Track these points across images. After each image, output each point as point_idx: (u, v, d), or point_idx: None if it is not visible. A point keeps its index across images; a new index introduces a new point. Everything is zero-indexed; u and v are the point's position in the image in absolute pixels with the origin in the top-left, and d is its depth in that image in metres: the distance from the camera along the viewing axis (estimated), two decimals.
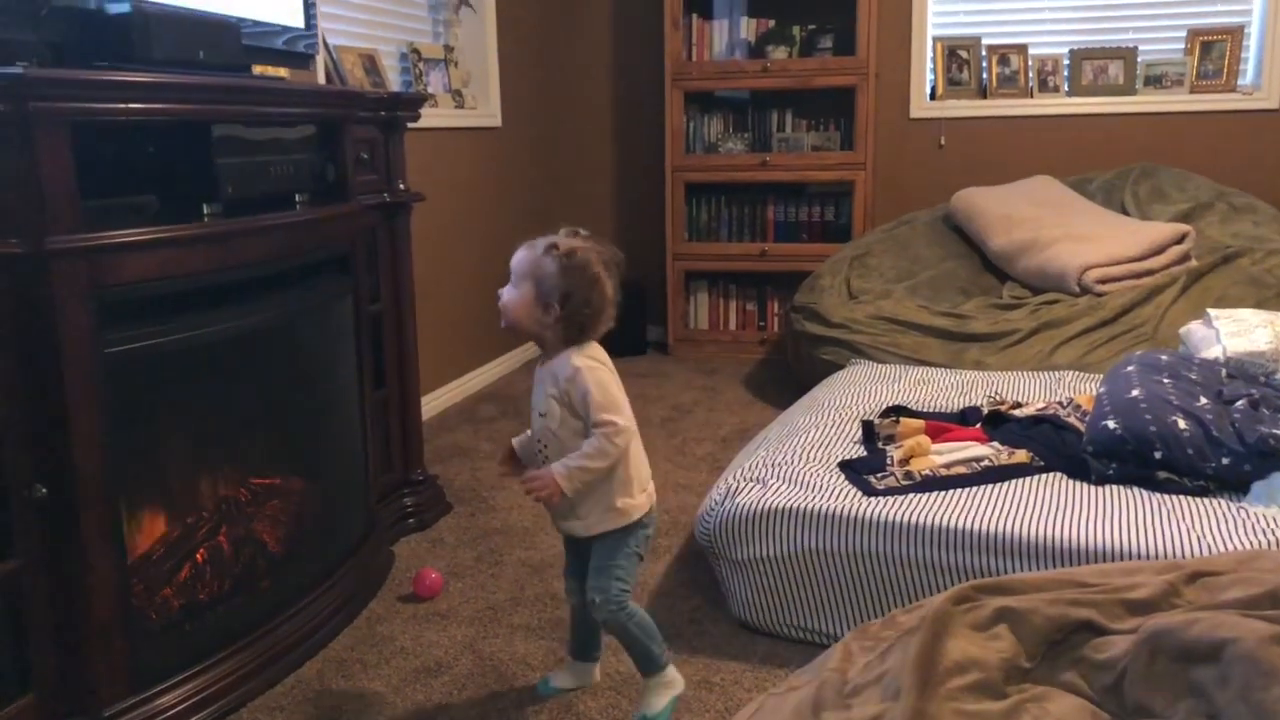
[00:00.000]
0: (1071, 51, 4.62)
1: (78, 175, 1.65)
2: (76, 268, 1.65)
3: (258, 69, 2.42)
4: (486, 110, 4.42)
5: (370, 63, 3.58)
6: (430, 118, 3.70)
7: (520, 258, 1.81)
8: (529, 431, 1.91)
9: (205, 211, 1.94)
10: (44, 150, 1.60)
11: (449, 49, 4.18)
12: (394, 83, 3.82)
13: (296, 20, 2.40)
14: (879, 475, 2.24)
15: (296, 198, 2.22)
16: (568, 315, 1.77)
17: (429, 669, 2.12)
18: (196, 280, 1.90)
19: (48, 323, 1.63)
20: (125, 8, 1.84)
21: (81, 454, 1.69)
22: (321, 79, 3.22)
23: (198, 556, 2.02)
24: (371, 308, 2.65)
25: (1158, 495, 2.09)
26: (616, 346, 1.92)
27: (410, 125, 2.81)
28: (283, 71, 2.63)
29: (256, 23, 2.26)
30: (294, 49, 2.43)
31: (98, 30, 1.84)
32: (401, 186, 2.78)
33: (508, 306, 1.83)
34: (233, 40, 2.11)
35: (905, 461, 2.30)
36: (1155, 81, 4.55)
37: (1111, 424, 2.21)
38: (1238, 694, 1.06)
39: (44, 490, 1.66)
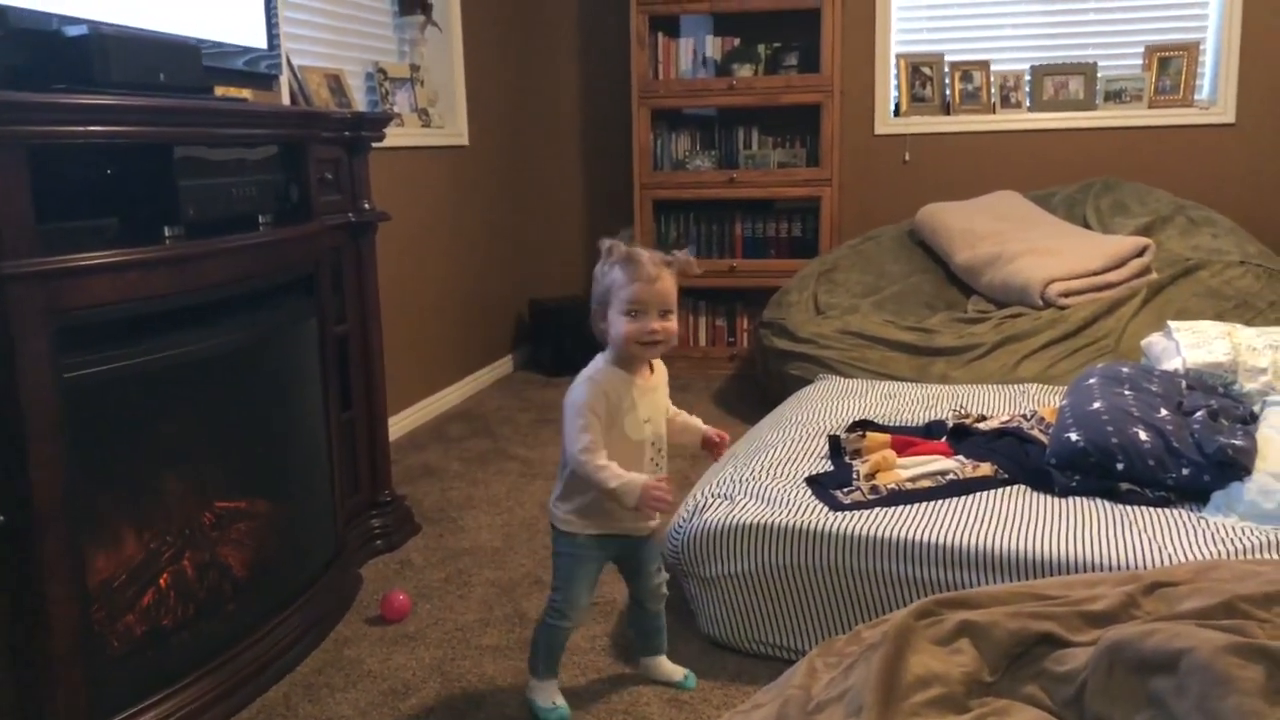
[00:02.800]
0: (1033, 67, 4.69)
1: (35, 198, 1.63)
2: (34, 292, 1.63)
3: (220, 90, 2.41)
4: (453, 129, 4.42)
5: (336, 83, 3.58)
6: (397, 137, 3.70)
7: (667, 286, 1.85)
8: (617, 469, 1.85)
9: (166, 234, 1.92)
10: (0, 174, 1.58)
11: (415, 68, 4.18)
12: (360, 102, 3.82)
13: (259, 41, 2.40)
14: (845, 490, 2.25)
15: (259, 219, 2.21)
16: None
17: (397, 691, 2.10)
18: (158, 303, 1.88)
19: (5, 348, 1.61)
20: (83, 30, 1.83)
21: (40, 479, 1.67)
22: (286, 99, 3.22)
23: (161, 582, 1.99)
24: (337, 328, 2.63)
25: (1120, 506, 2.11)
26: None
27: (376, 145, 2.81)
28: (246, 93, 2.63)
29: (217, 44, 2.26)
30: (256, 69, 2.43)
31: (56, 53, 1.83)
32: (366, 206, 2.77)
33: (673, 334, 1.87)
34: (193, 62, 2.10)
35: (871, 476, 2.31)
36: (1115, 96, 4.62)
37: (1074, 436, 2.23)
38: (1194, 703, 1.07)
39: (2, 517, 1.63)
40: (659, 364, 1.97)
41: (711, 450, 2.02)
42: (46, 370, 1.66)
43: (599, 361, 1.92)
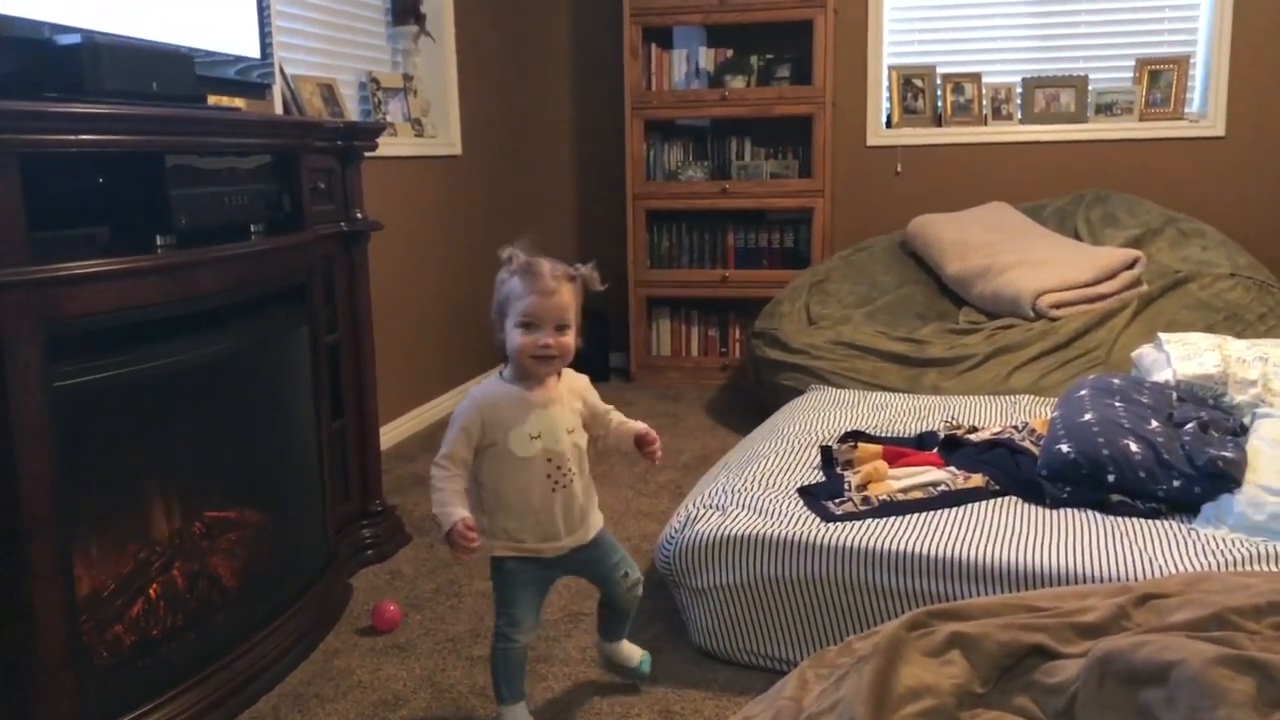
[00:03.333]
0: (1024, 80, 4.71)
1: (28, 207, 1.63)
2: (25, 300, 1.63)
3: (213, 99, 2.41)
4: (446, 139, 4.42)
5: (329, 92, 3.58)
6: (390, 146, 3.70)
7: (565, 300, 1.82)
8: (461, 498, 1.84)
9: (158, 243, 1.92)
10: None
11: (408, 78, 4.19)
12: (353, 112, 3.82)
13: (252, 50, 2.40)
14: (837, 501, 2.26)
15: (251, 228, 2.21)
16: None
17: (387, 702, 2.10)
18: (149, 312, 1.88)
19: None
20: (76, 39, 1.83)
21: (29, 489, 1.66)
22: (279, 109, 3.22)
23: (150, 592, 1.99)
24: (329, 338, 2.63)
25: (1111, 518, 2.12)
26: (580, 373, 1.95)
27: (369, 154, 2.81)
28: (239, 102, 2.62)
29: (209, 53, 2.25)
30: (248, 79, 2.42)
31: (48, 61, 1.82)
32: (359, 215, 2.77)
33: (569, 350, 1.84)
34: (186, 71, 2.10)
35: (863, 487, 2.31)
36: (1106, 109, 4.64)
37: (1065, 447, 2.23)
38: (1185, 715, 1.08)
39: None
40: (568, 377, 1.92)
41: (643, 448, 1.97)
42: (37, 379, 1.66)
43: (494, 375, 1.92)
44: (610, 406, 2.00)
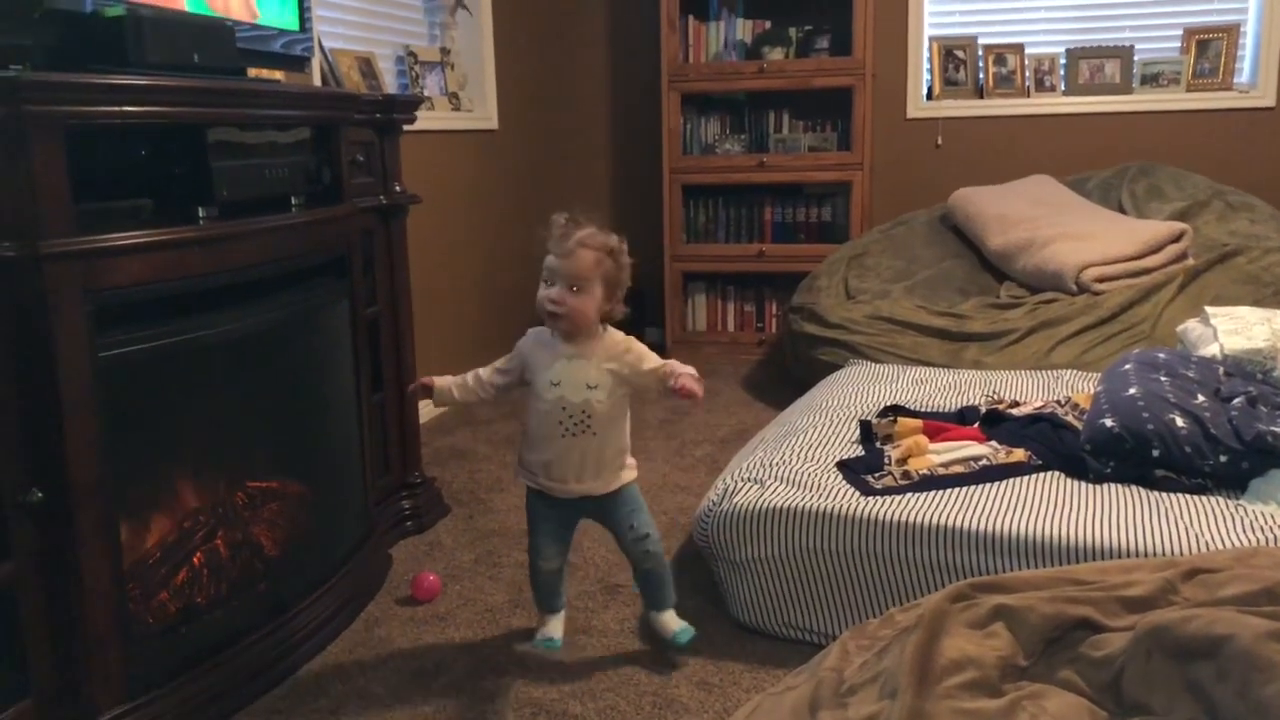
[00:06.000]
0: (1068, 51, 4.63)
1: (72, 178, 1.64)
2: (71, 271, 1.65)
3: (253, 72, 2.42)
4: (483, 113, 4.42)
5: (366, 65, 3.58)
6: (426, 120, 3.70)
7: (583, 264, 1.93)
8: (464, 379, 2.13)
9: (200, 215, 1.93)
10: (38, 153, 1.59)
11: (445, 51, 4.18)
12: (390, 85, 3.82)
13: (292, 23, 2.40)
14: (877, 475, 2.24)
15: (292, 200, 2.22)
16: (618, 301, 1.99)
17: (427, 671, 2.12)
18: (192, 283, 1.89)
19: (42, 326, 1.63)
20: (119, 11, 1.83)
21: (76, 458, 1.68)
22: (317, 82, 3.22)
23: (194, 560, 2.01)
24: (368, 311, 2.64)
25: (1155, 493, 2.09)
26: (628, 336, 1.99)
27: (406, 128, 2.81)
28: (278, 74, 2.63)
29: (252, 26, 2.26)
30: (290, 52, 2.43)
31: (92, 34, 1.83)
32: (398, 189, 2.78)
33: (578, 311, 1.94)
34: (227, 43, 2.11)
35: (903, 461, 2.29)
36: (1152, 80, 4.55)
37: (1109, 422, 2.20)
38: (1236, 690, 1.06)
39: (39, 494, 1.65)
40: (611, 338, 2.00)
41: (675, 391, 1.96)
42: (83, 349, 1.68)
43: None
44: (672, 362, 2.02)
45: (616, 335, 2.02)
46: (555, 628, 2.14)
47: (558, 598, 2.16)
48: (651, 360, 2.01)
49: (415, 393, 2.16)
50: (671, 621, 2.13)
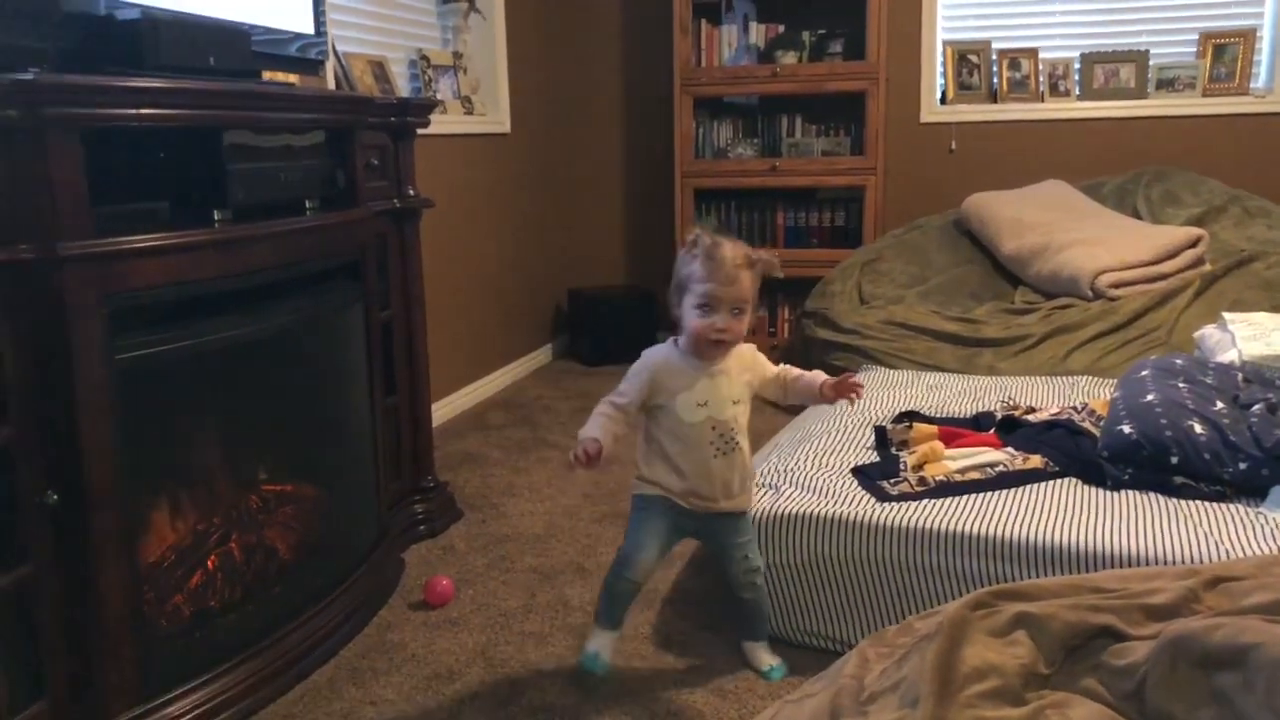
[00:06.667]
0: (1082, 55, 4.61)
1: (89, 181, 1.64)
2: (88, 274, 1.65)
3: (267, 75, 2.42)
4: (495, 116, 4.42)
5: (379, 69, 3.58)
6: (439, 124, 3.70)
7: (744, 287, 1.88)
8: (606, 427, 1.88)
9: (216, 218, 1.93)
10: (56, 156, 1.59)
11: (458, 55, 4.18)
12: (403, 89, 3.82)
13: (307, 27, 2.40)
14: (893, 481, 2.23)
15: (306, 204, 2.22)
16: None
17: (440, 676, 2.11)
18: (207, 286, 1.89)
19: (59, 328, 1.63)
20: (135, 14, 1.84)
21: (93, 460, 1.68)
22: (331, 85, 3.23)
23: (209, 563, 2.01)
24: (382, 314, 2.64)
25: (1174, 500, 2.07)
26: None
27: (420, 131, 2.81)
28: (293, 78, 2.63)
29: (267, 29, 2.26)
30: (304, 55, 2.43)
31: (108, 37, 1.84)
32: (411, 192, 2.78)
33: (741, 333, 1.92)
34: (243, 46, 2.11)
35: (919, 467, 2.28)
36: (1167, 85, 4.53)
37: (1127, 429, 2.19)
38: (1263, 700, 1.04)
39: (55, 496, 1.65)
40: (739, 350, 1.97)
41: (840, 394, 1.99)
42: (100, 351, 1.68)
43: (669, 341, 1.98)
44: (783, 366, 2.04)
45: (742, 345, 1.98)
46: (608, 645, 2.03)
47: (626, 613, 2.07)
48: (770, 366, 2.02)
49: (582, 464, 1.84)
50: (765, 656, 2.09)
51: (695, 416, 1.91)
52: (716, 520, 1.99)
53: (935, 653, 1.18)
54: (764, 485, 2.26)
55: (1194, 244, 3.68)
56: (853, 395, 2.00)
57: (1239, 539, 1.90)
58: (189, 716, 1.86)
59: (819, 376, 2.03)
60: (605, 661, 2.02)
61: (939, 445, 2.37)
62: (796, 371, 2.04)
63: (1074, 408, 2.57)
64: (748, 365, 1.99)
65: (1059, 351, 3.35)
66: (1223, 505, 2.04)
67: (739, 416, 1.95)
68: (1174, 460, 2.12)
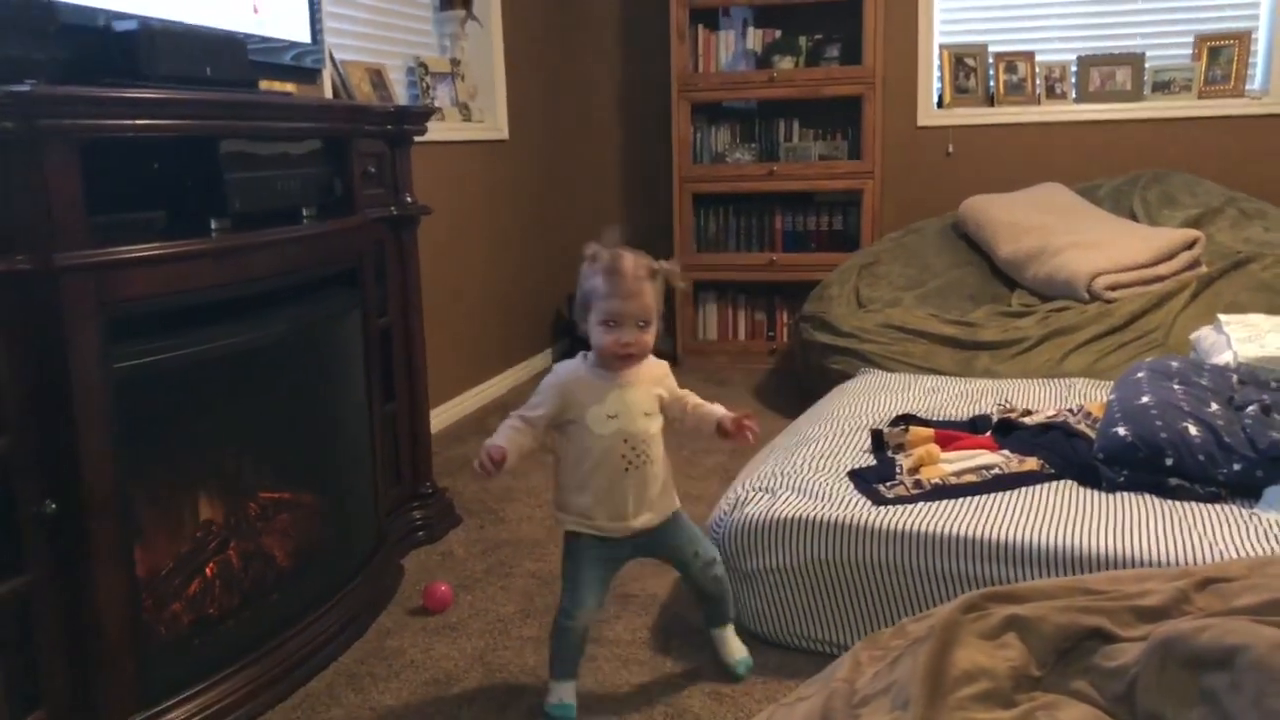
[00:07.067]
0: (1079, 58, 4.62)
1: (86, 191, 1.65)
2: (85, 283, 1.66)
3: (264, 84, 2.43)
4: (493, 123, 4.43)
5: (377, 77, 3.60)
6: (437, 131, 3.71)
7: (647, 300, 1.86)
8: (513, 437, 1.89)
9: (213, 226, 1.94)
10: (52, 167, 1.60)
11: (455, 62, 4.20)
12: (401, 96, 3.83)
13: (303, 35, 2.42)
14: (888, 484, 2.24)
15: (304, 212, 2.23)
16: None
17: (439, 681, 2.12)
18: (204, 295, 1.90)
19: (57, 338, 1.64)
20: (132, 25, 1.85)
21: (91, 469, 1.69)
22: (328, 93, 3.24)
23: (207, 571, 2.02)
24: (380, 321, 2.65)
25: (1169, 502, 2.08)
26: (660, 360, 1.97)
27: (417, 139, 2.82)
28: (290, 86, 2.65)
29: (263, 38, 2.27)
30: (301, 64, 2.45)
31: (105, 47, 1.85)
32: (409, 199, 2.79)
33: (648, 346, 1.90)
34: (239, 56, 2.12)
35: (915, 470, 2.29)
36: (1163, 87, 4.54)
37: (1122, 431, 2.19)
38: (1250, 701, 1.05)
39: (54, 505, 1.66)
40: (649, 364, 1.95)
41: (732, 437, 1.97)
42: (97, 360, 1.69)
43: (578, 357, 1.96)
44: (688, 391, 2.02)
45: (653, 359, 1.96)
46: (570, 691, 1.96)
47: (579, 661, 2.00)
48: (677, 387, 2.00)
49: (489, 471, 1.85)
50: (735, 646, 2.09)
51: (606, 429, 1.89)
52: (645, 536, 1.96)
53: (926, 655, 1.18)
54: (760, 489, 2.27)
55: (1190, 246, 3.69)
56: (748, 435, 1.97)
57: (1234, 540, 1.90)
58: None
59: (718, 410, 2.00)
60: (571, 704, 1.95)
61: (935, 448, 2.37)
62: (698, 400, 2.01)
63: (1070, 410, 2.57)
64: (658, 378, 1.97)
65: (1056, 354, 3.36)
66: (1218, 507, 2.05)
67: (650, 428, 1.92)
68: (1169, 462, 2.13)
